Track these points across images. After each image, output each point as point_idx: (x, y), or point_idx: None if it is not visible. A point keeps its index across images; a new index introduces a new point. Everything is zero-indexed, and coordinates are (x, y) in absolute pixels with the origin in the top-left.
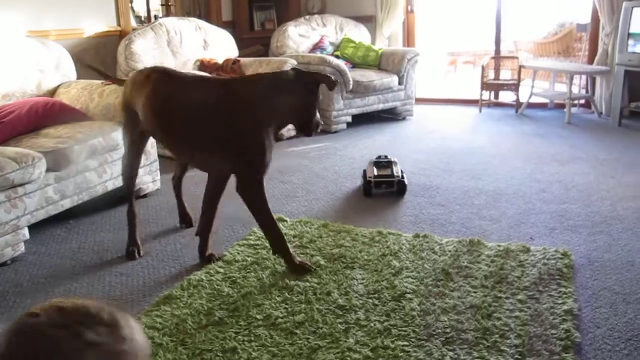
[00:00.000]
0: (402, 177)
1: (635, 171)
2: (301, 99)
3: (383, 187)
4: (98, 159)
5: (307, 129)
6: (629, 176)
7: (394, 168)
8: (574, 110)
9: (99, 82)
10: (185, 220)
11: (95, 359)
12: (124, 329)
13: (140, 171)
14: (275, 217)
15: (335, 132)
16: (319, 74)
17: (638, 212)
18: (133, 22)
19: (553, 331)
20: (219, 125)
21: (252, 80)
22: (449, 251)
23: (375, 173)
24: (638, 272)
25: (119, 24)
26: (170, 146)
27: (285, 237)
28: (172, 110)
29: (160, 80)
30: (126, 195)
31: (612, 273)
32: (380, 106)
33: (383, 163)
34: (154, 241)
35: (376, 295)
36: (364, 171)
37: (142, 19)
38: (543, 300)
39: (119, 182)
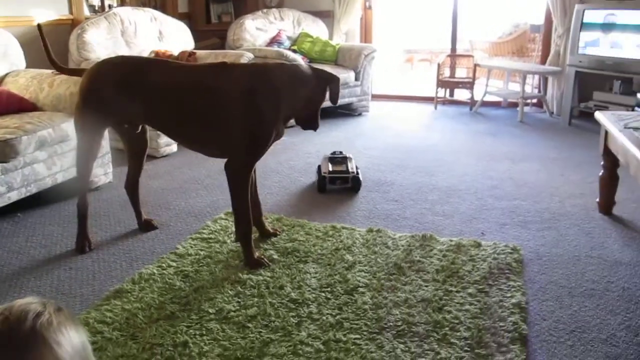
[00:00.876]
0: (357, 173)
1: (582, 169)
2: (316, 94)
3: (337, 183)
4: (47, 150)
5: (314, 123)
6: (577, 174)
7: (349, 164)
8: (526, 109)
9: (49, 71)
10: (147, 226)
11: None
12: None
13: None
14: (228, 211)
15: (291, 126)
16: (332, 75)
17: (585, 209)
18: (86, 11)
19: (502, 324)
20: (239, 111)
21: (277, 69)
22: (402, 246)
23: (330, 169)
24: (583, 266)
25: (71, 13)
26: (170, 130)
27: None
28: (185, 97)
29: (162, 68)
30: (81, 187)
31: (559, 267)
32: None
33: (338, 159)
34: (105, 234)
35: (329, 289)
36: (319, 167)
37: (96, 8)
38: (492, 294)
39: (69, 175)
